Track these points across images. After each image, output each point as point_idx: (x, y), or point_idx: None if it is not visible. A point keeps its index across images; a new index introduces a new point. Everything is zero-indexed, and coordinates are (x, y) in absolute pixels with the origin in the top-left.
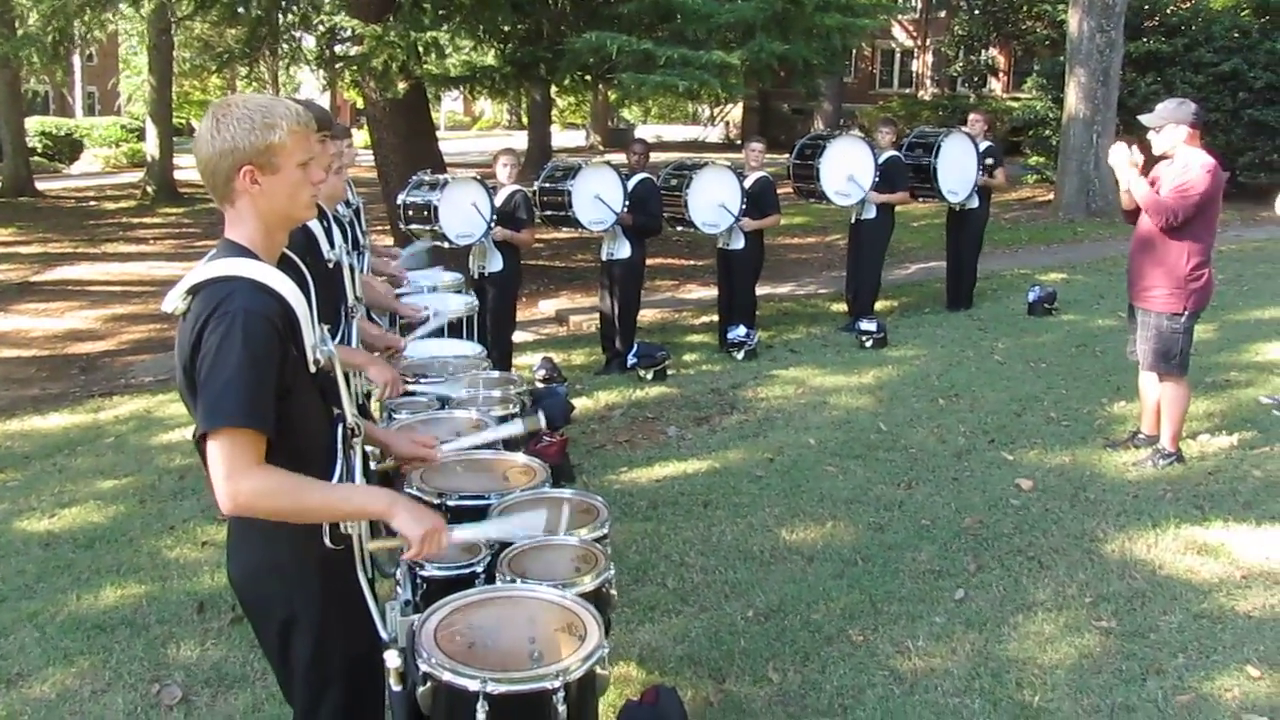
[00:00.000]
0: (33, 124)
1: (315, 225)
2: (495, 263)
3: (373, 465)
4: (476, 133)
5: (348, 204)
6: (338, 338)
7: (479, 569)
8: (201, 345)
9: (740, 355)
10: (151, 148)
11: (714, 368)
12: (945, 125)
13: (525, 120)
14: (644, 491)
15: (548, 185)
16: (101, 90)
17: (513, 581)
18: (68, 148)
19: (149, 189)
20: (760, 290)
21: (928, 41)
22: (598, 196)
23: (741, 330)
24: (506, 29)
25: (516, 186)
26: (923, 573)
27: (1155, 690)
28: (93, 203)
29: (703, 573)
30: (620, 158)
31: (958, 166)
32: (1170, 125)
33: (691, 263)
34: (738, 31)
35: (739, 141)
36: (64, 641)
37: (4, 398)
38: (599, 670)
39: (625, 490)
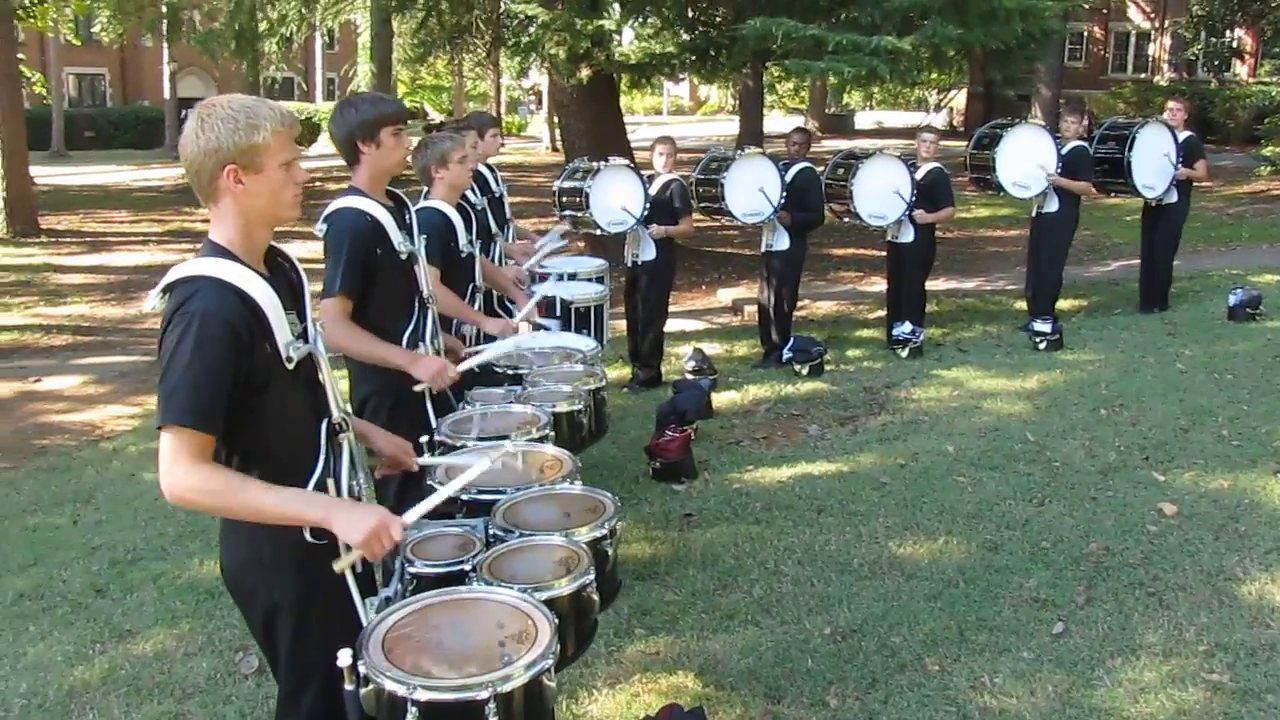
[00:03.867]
0: None
1: (386, 217)
2: (648, 251)
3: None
4: (700, 117)
5: (483, 193)
6: (410, 329)
7: (468, 567)
8: (163, 343)
9: (904, 353)
10: None
11: (874, 365)
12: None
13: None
14: (762, 492)
15: (703, 176)
16: (341, 76)
17: (488, 584)
18: (307, 131)
19: None
20: (945, 285)
21: (1165, 23)
22: (761, 189)
23: (907, 327)
24: (690, 15)
25: (672, 175)
26: (1025, 601)
27: None
28: (318, 184)
29: (793, 583)
30: (838, 144)
31: (1154, 159)
32: None
33: (883, 254)
34: (913, 16)
35: (962, 129)
36: (175, 603)
37: None
38: (546, 681)
39: (743, 490)
